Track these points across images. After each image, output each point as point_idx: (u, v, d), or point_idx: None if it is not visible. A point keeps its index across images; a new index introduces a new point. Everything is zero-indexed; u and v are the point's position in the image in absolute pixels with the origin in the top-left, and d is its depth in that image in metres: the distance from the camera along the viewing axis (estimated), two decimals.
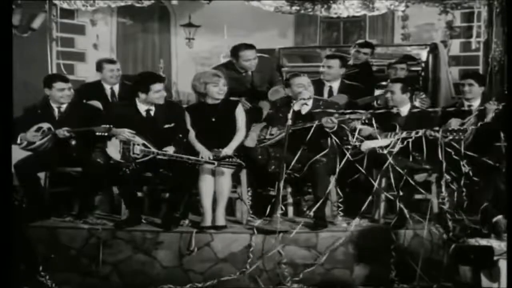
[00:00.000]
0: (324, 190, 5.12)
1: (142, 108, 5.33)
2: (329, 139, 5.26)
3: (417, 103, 6.01)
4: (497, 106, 5.30)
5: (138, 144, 5.16)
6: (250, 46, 6.02)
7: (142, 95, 5.27)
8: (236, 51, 6.02)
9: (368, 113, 5.19)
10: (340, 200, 5.33)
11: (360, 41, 7.17)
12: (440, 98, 7.30)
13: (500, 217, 4.43)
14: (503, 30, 6.41)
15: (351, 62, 6.74)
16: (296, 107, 5.26)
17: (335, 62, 6.14)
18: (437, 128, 5.07)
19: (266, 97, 6.03)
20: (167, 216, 5.21)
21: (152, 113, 5.34)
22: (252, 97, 6.08)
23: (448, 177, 5.08)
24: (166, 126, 5.30)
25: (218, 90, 5.39)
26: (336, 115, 5.17)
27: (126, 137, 5.17)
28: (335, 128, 5.17)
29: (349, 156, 5.15)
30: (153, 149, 5.15)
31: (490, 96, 5.76)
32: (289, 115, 5.07)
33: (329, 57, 6.32)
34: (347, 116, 5.17)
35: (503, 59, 6.40)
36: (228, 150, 5.29)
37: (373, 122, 5.21)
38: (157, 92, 5.27)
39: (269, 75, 6.27)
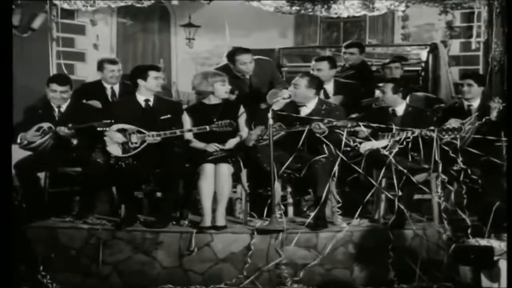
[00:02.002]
0: (324, 190, 5.11)
1: (141, 99, 5.40)
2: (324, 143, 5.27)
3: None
4: (501, 104, 5.30)
5: (133, 133, 5.23)
6: (246, 50, 6.02)
7: (142, 82, 5.36)
8: (232, 55, 6.02)
9: (354, 122, 5.21)
10: (339, 205, 5.32)
11: (347, 42, 7.19)
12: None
13: None
14: (503, 30, 6.40)
15: (346, 64, 6.76)
16: (274, 106, 5.27)
17: (324, 64, 6.14)
18: (432, 128, 5.08)
19: (265, 99, 6.02)
20: (161, 213, 5.24)
21: (150, 103, 5.41)
22: (252, 100, 6.05)
23: (444, 176, 5.08)
24: (163, 117, 5.35)
25: (225, 89, 5.43)
26: (325, 120, 5.18)
27: (121, 127, 5.22)
28: (325, 134, 5.18)
29: (345, 159, 5.15)
30: (148, 133, 5.21)
31: (490, 96, 5.76)
32: (269, 115, 5.07)
33: (317, 60, 6.26)
34: (334, 123, 5.18)
35: (503, 59, 6.39)
36: (230, 145, 5.32)
37: (362, 128, 5.22)
38: (155, 79, 5.38)
39: (270, 77, 6.26)
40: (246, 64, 5.98)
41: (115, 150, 5.26)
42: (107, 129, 5.23)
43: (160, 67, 5.49)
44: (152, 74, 5.37)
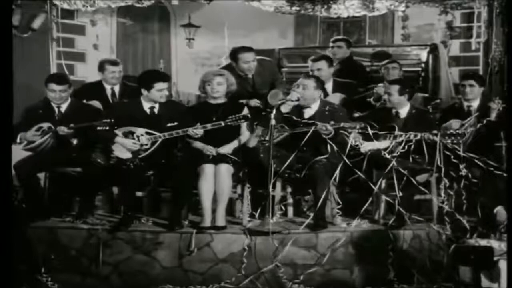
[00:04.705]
0: (324, 190, 5.11)
1: (145, 105, 5.37)
2: (328, 144, 5.27)
3: None
4: (501, 105, 5.30)
5: (142, 135, 5.21)
6: (249, 49, 6.02)
7: (145, 92, 5.32)
8: (235, 53, 6.02)
9: (362, 123, 5.20)
10: (339, 206, 5.31)
11: (333, 37, 7.24)
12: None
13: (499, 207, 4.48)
14: (503, 31, 6.41)
15: (334, 60, 6.75)
16: (283, 108, 5.26)
17: (323, 64, 6.17)
18: (435, 132, 5.07)
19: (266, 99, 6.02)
20: (173, 216, 5.22)
21: (155, 110, 5.38)
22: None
23: (446, 181, 5.08)
24: (169, 124, 5.32)
25: (210, 89, 5.42)
26: (332, 122, 5.17)
27: (127, 130, 5.22)
28: (331, 135, 5.17)
29: (348, 162, 5.14)
30: (158, 134, 5.20)
31: (490, 96, 5.76)
32: (272, 115, 5.04)
33: (315, 60, 6.27)
34: (342, 124, 5.17)
35: (503, 60, 6.40)
36: (226, 149, 5.30)
37: (369, 130, 5.21)
38: (159, 91, 5.31)
39: (271, 77, 6.26)
40: (249, 62, 5.98)
41: (124, 154, 5.25)
42: (107, 128, 5.21)
43: (169, 77, 5.43)
44: (157, 86, 5.27)
